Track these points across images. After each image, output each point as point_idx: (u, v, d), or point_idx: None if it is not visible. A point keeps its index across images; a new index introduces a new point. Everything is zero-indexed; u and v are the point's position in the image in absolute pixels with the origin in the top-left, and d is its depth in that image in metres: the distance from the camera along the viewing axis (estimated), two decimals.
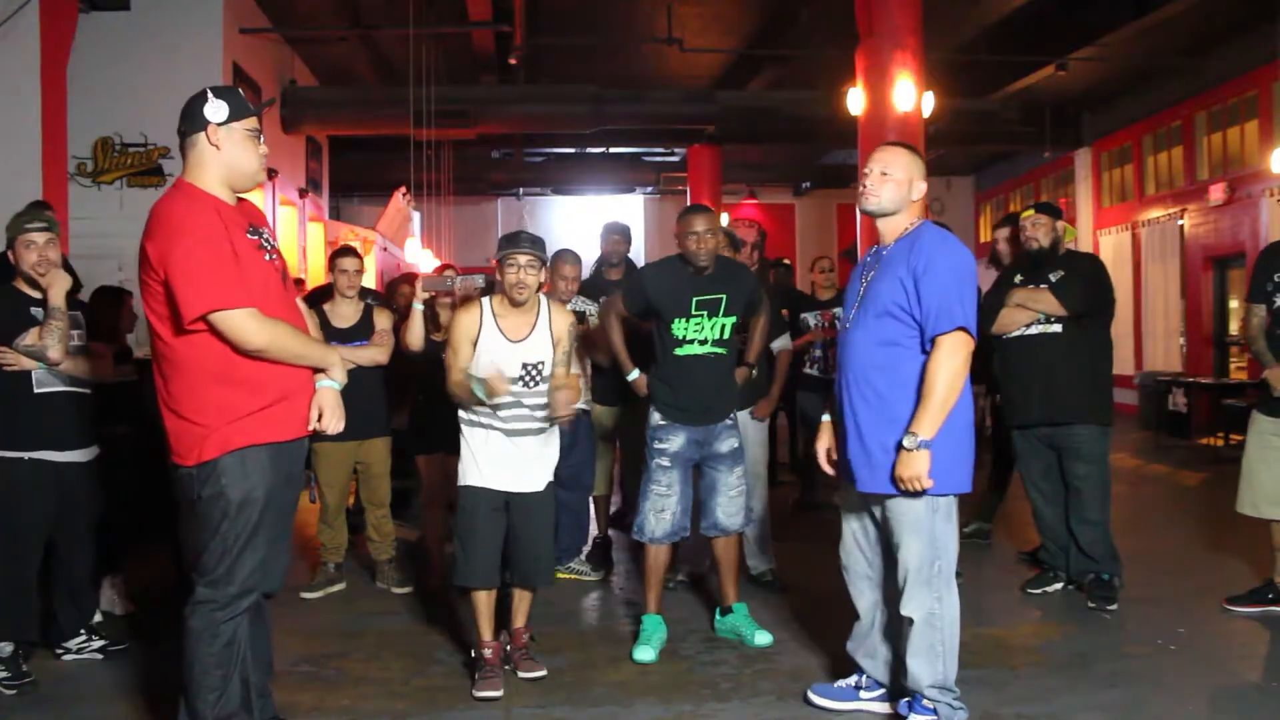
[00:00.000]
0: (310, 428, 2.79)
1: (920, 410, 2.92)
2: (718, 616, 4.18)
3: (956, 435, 3.00)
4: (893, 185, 3.06)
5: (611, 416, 5.31)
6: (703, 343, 3.95)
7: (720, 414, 4.03)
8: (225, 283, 2.58)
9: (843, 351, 3.16)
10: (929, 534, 3.02)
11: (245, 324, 2.60)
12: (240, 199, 2.84)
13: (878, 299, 3.04)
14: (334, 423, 2.79)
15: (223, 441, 2.65)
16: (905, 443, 2.92)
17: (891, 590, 3.18)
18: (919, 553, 3.02)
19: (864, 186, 3.10)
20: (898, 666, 3.20)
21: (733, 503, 4.05)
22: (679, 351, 3.96)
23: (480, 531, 3.64)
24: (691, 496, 4.06)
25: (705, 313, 3.93)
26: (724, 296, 3.94)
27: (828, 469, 3.34)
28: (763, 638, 4.01)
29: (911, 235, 3.07)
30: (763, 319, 4.36)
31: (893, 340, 3.01)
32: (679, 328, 3.93)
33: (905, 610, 3.05)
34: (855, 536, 3.30)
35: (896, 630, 3.19)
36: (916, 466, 2.90)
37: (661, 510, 3.97)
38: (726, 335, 3.97)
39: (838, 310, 5.54)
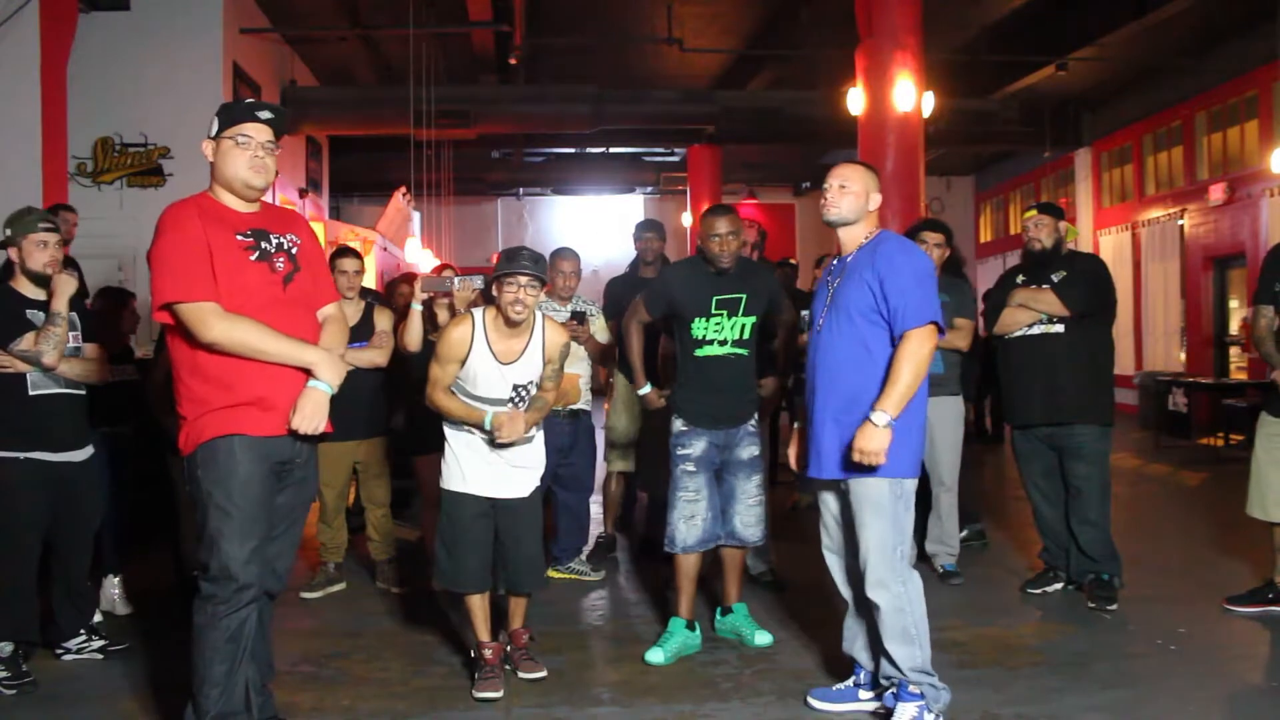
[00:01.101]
0: (287, 427, 2.80)
1: (888, 391, 3.07)
2: (718, 616, 4.17)
3: (919, 424, 3.20)
4: (851, 197, 3.26)
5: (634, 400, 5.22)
6: (722, 343, 3.91)
7: (741, 418, 3.99)
8: (187, 277, 2.71)
9: (815, 354, 3.31)
10: (891, 517, 3.15)
11: (200, 317, 2.71)
12: (268, 205, 3.00)
13: (847, 304, 3.21)
14: (306, 423, 2.79)
15: (197, 435, 2.77)
16: (874, 419, 3.05)
17: (856, 575, 3.29)
18: (881, 535, 3.15)
19: (825, 199, 3.29)
20: (877, 652, 3.27)
21: (750, 512, 3.99)
22: (699, 353, 3.92)
23: (465, 536, 3.62)
24: (719, 503, 4.01)
25: (725, 312, 3.90)
26: (744, 296, 3.90)
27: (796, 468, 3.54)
28: (762, 638, 4.01)
29: (873, 243, 3.26)
30: (786, 329, 4.29)
31: (864, 340, 3.18)
32: (699, 327, 3.91)
33: (872, 595, 3.16)
34: (834, 514, 3.40)
35: (870, 620, 3.30)
36: (880, 441, 3.05)
37: (692, 517, 3.92)
38: (747, 335, 3.93)
39: None
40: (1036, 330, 4.59)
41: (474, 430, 3.62)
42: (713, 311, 3.90)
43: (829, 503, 3.40)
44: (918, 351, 3.07)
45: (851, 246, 3.29)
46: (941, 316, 3.18)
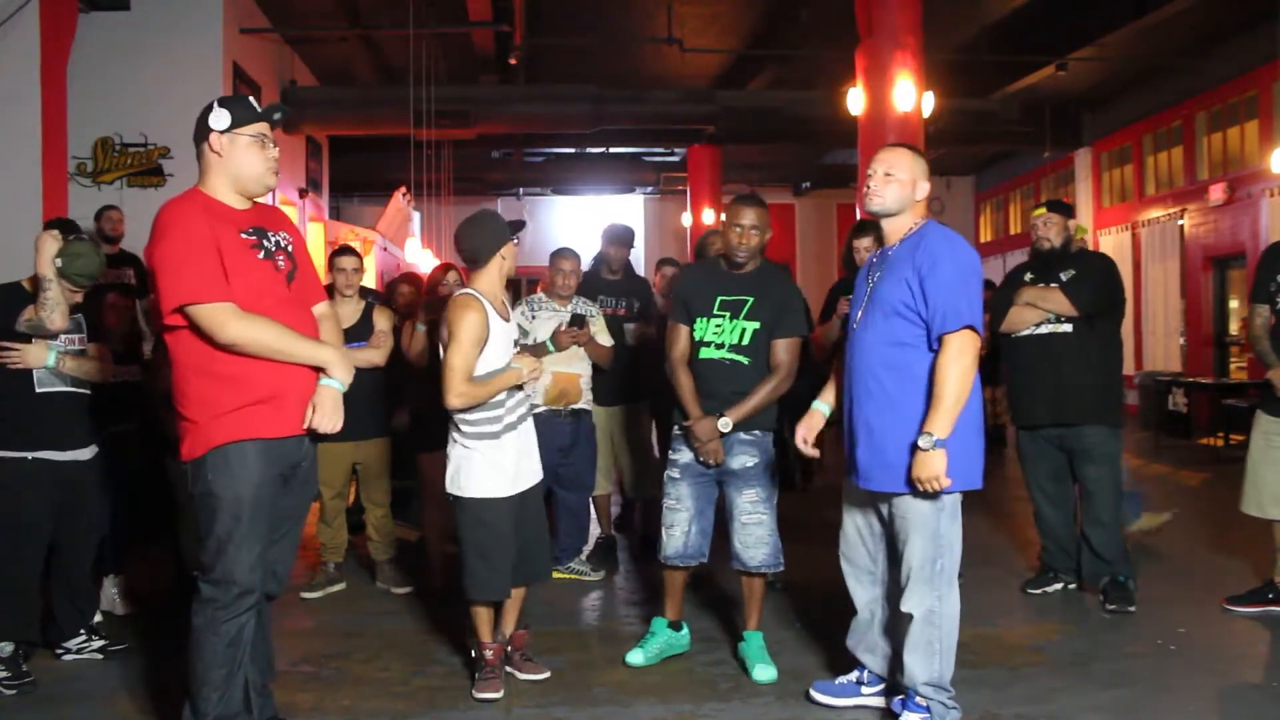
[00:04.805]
0: (305, 426, 2.79)
1: (933, 410, 2.92)
2: (740, 642, 3.95)
3: (964, 433, 2.99)
4: (896, 185, 3.08)
5: (607, 416, 5.31)
6: (719, 346, 3.72)
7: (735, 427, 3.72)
8: (200, 277, 2.65)
9: (851, 353, 3.16)
10: (933, 532, 3.02)
11: (217, 318, 2.65)
12: (259, 204, 2.92)
13: (885, 300, 3.05)
14: (326, 422, 2.79)
15: (208, 438, 2.70)
16: (921, 444, 2.90)
17: (893, 587, 3.20)
18: (922, 550, 3.03)
19: (868, 187, 3.12)
20: (897, 662, 3.21)
21: (747, 531, 3.70)
22: (699, 355, 3.77)
23: (505, 542, 3.56)
24: (711, 519, 3.85)
25: (727, 314, 3.71)
26: (750, 299, 3.70)
27: (809, 451, 3.37)
28: (763, 673, 3.67)
29: (916, 235, 3.09)
30: (774, 380, 3.71)
31: (901, 340, 3.03)
32: (700, 327, 3.75)
33: (905, 606, 3.06)
34: (859, 531, 3.31)
35: (896, 627, 3.21)
36: (935, 466, 2.90)
37: (671, 526, 3.78)
38: (747, 341, 3.70)
39: None
40: (1044, 330, 4.52)
41: (498, 428, 3.55)
42: (715, 312, 3.74)
43: (854, 515, 3.30)
44: (958, 363, 2.90)
45: (895, 238, 3.11)
46: (980, 320, 2.98)
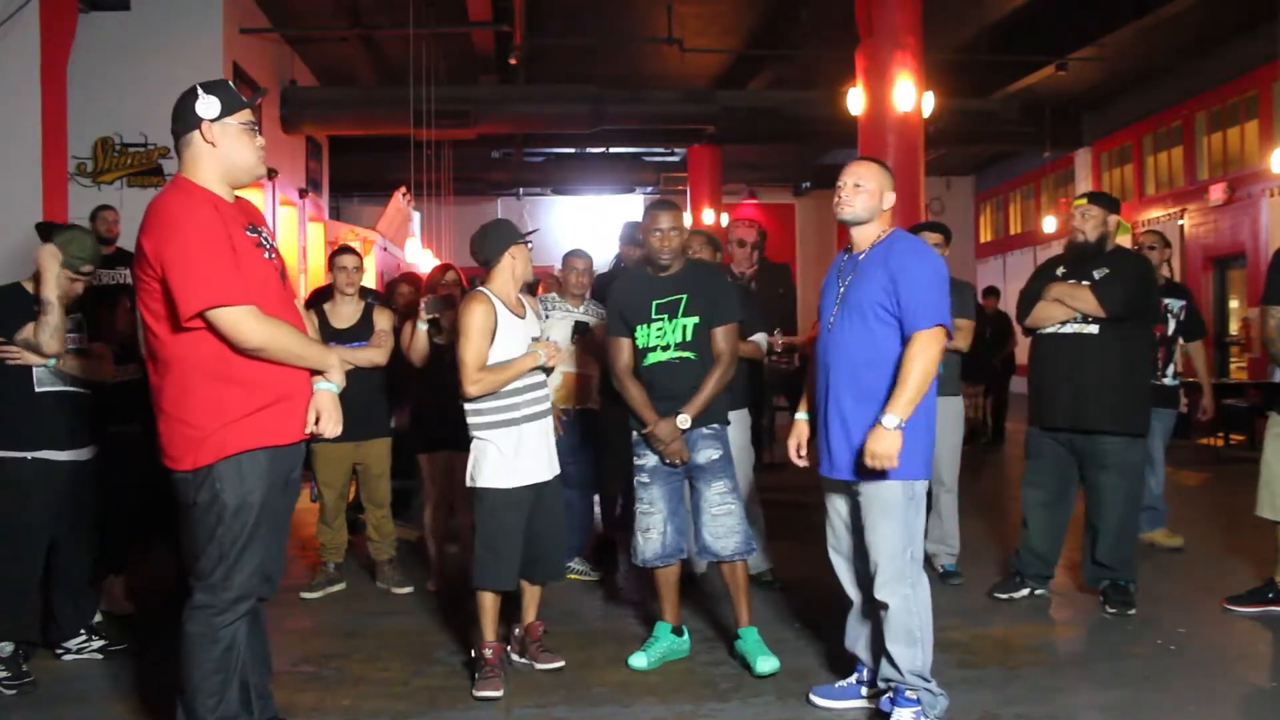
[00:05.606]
0: (308, 430, 2.76)
1: (897, 395, 3.07)
2: (735, 640, 3.96)
3: (927, 425, 3.19)
4: (865, 196, 3.25)
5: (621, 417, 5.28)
6: (665, 348, 3.80)
7: (694, 422, 3.77)
8: (224, 279, 2.54)
9: (826, 351, 3.29)
10: (903, 519, 3.15)
11: (244, 321, 2.56)
12: (238, 198, 2.80)
13: (861, 302, 3.20)
14: (331, 426, 2.76)
15: (219, 446, 2.61)
16: (885, 422, 3.04)
17: (865, 577, 3.29)
18: (893, 538, 3.14)
19: (839, 198, 3.29)
20: (878, 655, 3.27)
21: (718, 522, 3.75)
22: (646, 361, 3.83)
23: (513, 533, 3.62)
24: (684, 515, 3.92)
25: (665, 316, 3.80)
26: (684, 297, 3.80)
27: (799, 462, 3.50)
28: (766, 664, 3.68)
29: (886, 242, 3.25)
30: (719, 370, 3.79)
31: (878, 340, 3.18)
32: (642, 335, 3.83)
33: (880, 595, 3.16)
34: (843, 520, 3.40)
35: (874, 620, 3.29)
36: (891, 445, 3.04)
37: (647, 530, 3.83)
38: (690, 337, 3.78)
39: None
40: (1069, 329, 4.35)
41: (516, 417, 3.62)
42: (653, 317, 3.82)
43: (837, 504, 3.39)
44: (926, 353, 3.07)
45: (864, 244, 3.28)
46: (950, 320, 3.16)
